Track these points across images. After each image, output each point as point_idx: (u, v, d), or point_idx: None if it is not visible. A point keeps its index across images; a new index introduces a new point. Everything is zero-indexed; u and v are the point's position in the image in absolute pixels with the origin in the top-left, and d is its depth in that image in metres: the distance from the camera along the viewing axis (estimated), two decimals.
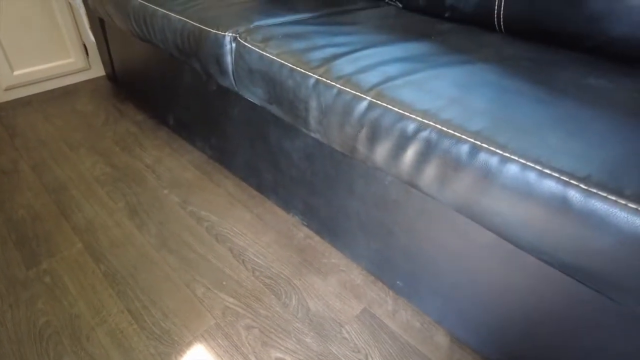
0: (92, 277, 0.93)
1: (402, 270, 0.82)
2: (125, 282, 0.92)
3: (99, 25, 1.51)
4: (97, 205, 1.13)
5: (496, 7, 0.91)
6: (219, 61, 0.88)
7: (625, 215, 0.43)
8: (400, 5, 1.14)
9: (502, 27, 0.93)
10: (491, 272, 0.66)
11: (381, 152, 0.63)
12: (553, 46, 0.85)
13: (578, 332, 0.59)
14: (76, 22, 1.65)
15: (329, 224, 0.95)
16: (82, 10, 1.56)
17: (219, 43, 0.86)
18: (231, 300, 0.89)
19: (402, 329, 0.84)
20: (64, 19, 1.61)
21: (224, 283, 0.92)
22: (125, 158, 1.32)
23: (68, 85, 1.77)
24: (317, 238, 1.05)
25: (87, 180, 1.22)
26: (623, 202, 0.44)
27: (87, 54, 1.76)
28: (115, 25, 1.27)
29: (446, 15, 1.01)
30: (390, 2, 1.17)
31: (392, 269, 0.85)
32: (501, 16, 0.91)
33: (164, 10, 1.01)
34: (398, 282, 0.85)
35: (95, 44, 1.67)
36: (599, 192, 0.45)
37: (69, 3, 1.59)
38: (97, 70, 1.84)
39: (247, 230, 1.06)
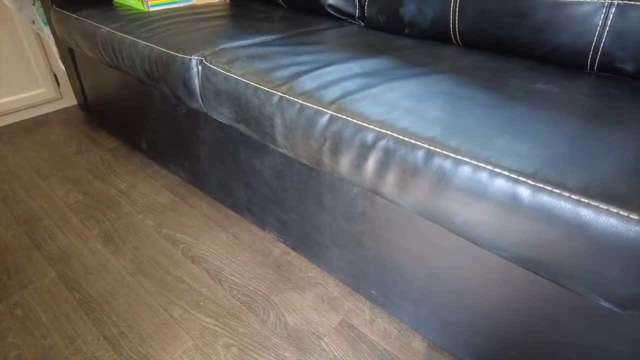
0: (66, 306, 0.91)
1: (375, 280, 0.84)
2: (101, 309, 0.91)
3: (69, 55, 1.52)
4: (71, 233, 1.12)
5: (451, 21, 0.96)
6: (187, 84, 0.90)
7: (570, 207, 0.46)
8: (363, 24, 1.19)
9: (459, 39, 0.97)
10: (458, 274, 0.68)
11: (345, 162, 0.65)
12: (505, 55, 0.90)
13: (543, 328, 0.61)
14: (45, 52, 1.66)
15: (303, 239, 0.96)
16: (51, 40, 1.57)
17: (185, 66, 0.88)
18: (209, 320, 0.88)
19: (379, 337, 0.85)
20: (33, 49, 1.61)
21: (201, 304, 0.92)
22: (99, 185, 1.32)
23: (39, 116, 1.76)
24: (293, 253, 1.06)
25: (60, 209, 1.21)
26: (567, 194, 0.46)
27: (58, 83, 1.75)
28: (84, 54, 1.28)
29: (406, 31, 1.06)
30: (352, 21, 1.21)
31: (366, 279, 0.86)
32: (456, 29, 0.96)
33: (131, 38, 1.02)
34: (373, 291, 0.86)
35: (65, 73, 1.67)
36: (545, 187, 0.48)
37: (38, 34, 1.60)
38: (69, 99, 1.83)
39: (223, 250, 1.07)
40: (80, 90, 1.63)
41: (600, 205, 0.44)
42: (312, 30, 1.09)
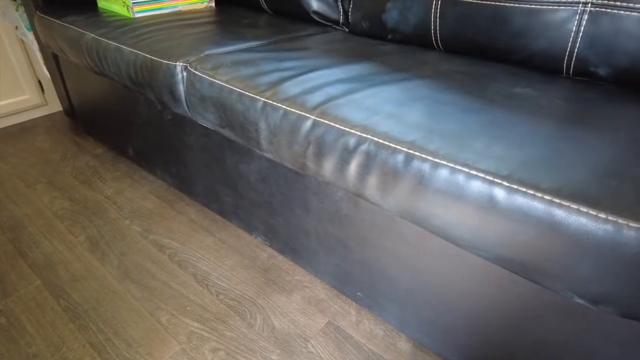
0: (52, 313, 0.91)
1: (361, 282, 0.85)
2: (87, 316, 0.90)
3: (54, 61, 1.51)
4: (57, 240, 1.11)
5: (432, 27, 0.98)
6: (172, 90, 0.90)
7: (543, 207, 0.47)
8: (347, 30, 1.20)
9: (440, 45, 0.99)
10: (441, 275, 0.69)
11: (328, 166, 0.66)
12: (486, 60, 0.92)
13: (524, 327, 0.63)
14: (29, 58, 1.64)
15: (290, 243, 0.97)
16: (35, 46, 1.56)
17: (170, 73, 0.89)
18: (196, 324, 0.89)
19: (365, 338, 0.86)
20: (16, 55, 1.60)
21: (188, 308, 0.92)
22: (85, 191, 1.31)
23: (24, 122, 1.74)
24: (280, 257, 1.06)
25: (45, 216, 1.20)
26: (540, 195, 0.48)
27: (42, 89, 1.74)
28: (69, 60, 1.27)
29: (389, 37, 1.08)
30: (337, 27, 1.23)
31: (352, 281, 0.87)
32: (438, 35, 0.98)
33: (116, 44, 1.03)
34: (359, 293, 0.87)
35: (50, 79, 1.66)
36: (520, 188, 0.49)
37: (21, 39, 1.59)
38: (54, 105, 1.82)
39: (210, 255, 1.07)
40: (65, 96, 1.62)
41: (571, 205, 0.46)
42: (296, 36, 1.10)
